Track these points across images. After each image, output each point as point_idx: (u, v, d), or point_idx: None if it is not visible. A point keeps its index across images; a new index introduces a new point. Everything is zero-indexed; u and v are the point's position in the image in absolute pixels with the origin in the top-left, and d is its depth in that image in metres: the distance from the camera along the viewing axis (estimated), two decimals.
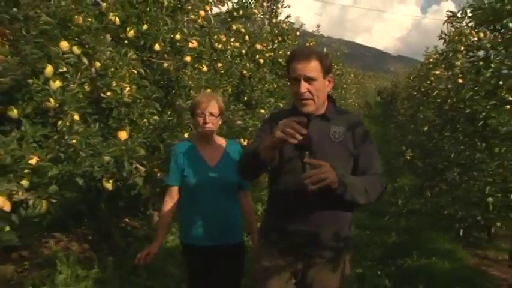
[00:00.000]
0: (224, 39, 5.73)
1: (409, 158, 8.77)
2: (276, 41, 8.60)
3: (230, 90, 5.57)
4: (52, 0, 3.05)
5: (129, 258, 3.58)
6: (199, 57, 4.69)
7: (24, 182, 2.48)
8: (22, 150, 2.45)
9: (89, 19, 3.42)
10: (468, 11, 4.55)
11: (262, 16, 8.44)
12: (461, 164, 4.45)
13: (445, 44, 6.93)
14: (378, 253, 4.78)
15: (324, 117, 2.02)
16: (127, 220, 4.42)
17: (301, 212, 1.97)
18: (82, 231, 4.00)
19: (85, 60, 3.38)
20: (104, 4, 3.60)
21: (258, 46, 7.06)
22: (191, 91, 3.98)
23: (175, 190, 2.49)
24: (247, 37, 6.86)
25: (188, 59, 4.33)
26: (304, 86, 1.91)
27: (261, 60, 7.14)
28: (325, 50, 16.17)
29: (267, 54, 7.46)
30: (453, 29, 6.66)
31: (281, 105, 7.15)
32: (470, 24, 5.08)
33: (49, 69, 2.92)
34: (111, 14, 3.64)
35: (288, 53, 8.92)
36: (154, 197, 3.36)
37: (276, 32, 8.82)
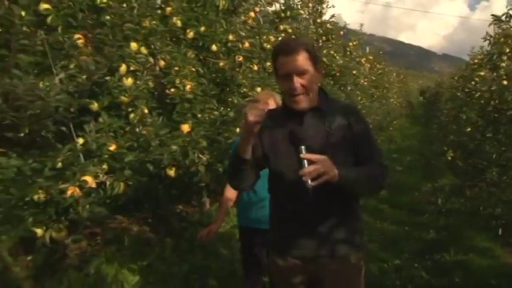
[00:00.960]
0: (273, 39, 6.02)
1: (450, 158, 8.79)
2: (321, 41, 8.83)
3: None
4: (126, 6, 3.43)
5: (185, 240, 3.95)
6: (250, 57, 5.02)
7: (105, 166, 2.87)
8: (104, 138, 2.83)
9: (155, 22, 3.82)
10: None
11: (308, 16, 8.66)
12: (501, 164, 4.57)
13: (489, 46, 6.98)
14: (416, 248, 4.95)
15: (317, 110, 1.92)
16: (180, 207, 4.80)
17: (304, 214, 1.88)
18: (141, 215, 4.41)
19: (151, 59, 3.78)
20: (169, 8, 3.97)
21: None
22: (244, 89, 4.30)
23: None
24: (293, 37, 7.13)
25: (241, 58, 4.66)
26: (297, 81, 1.81)
27: None
28: (367, 49, 16.19)
29: None
30: (500, 30, 6.71)
31: None
32: None
33: (123, 68, 3.32)
34: (174, 17, 4.02)
35: (332, 52, 9.16)
36: (212, 183, 3.71)
37: (321, 31, 9.06)
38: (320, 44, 8.74)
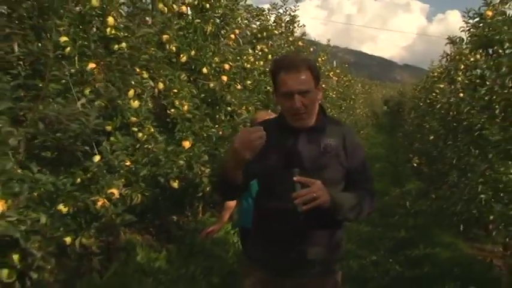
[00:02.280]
0: (252, 59, 6.53)
1: (415, 164, 9.46)
2: None
3: (253, 105, 6.37)
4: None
5: (186, 246, 4.36)
6: (233, 77, 5.50)
7: (123, 180, 3.27)
8: (122, 155, 3.24)
9: (153, 49, 4.24)
10: (464, 38, 5.35)
11: (281, 35, 9.21)
12: (460, 168, 5.20)
13: (447, 62, 7.73)
14: (389, 245, 5.51)
15: (314, 129, 1.88)
16: (175, 217, 5.20)
17: (290, 233, 1.84)
18: (142, 226, 4.78)
19: (151, 82, 4.19)
20: (165, 36, 4.40)
21: None
22: (233, 107, 4.77)
23: None
24: (270, 56, 7.66)
25: (225, 78, 5.13)
26: (299, 101, 1.76)
27: None
28: (335, 63, 16.93)
29: None
30: (455, 49, 7.45)
31: None
32: (468, 46, 5.88)
33: (131, 92, 3.73)
34: (170, 44, 4.45)
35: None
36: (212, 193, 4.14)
37: (293, 49, 9.65)
38: None
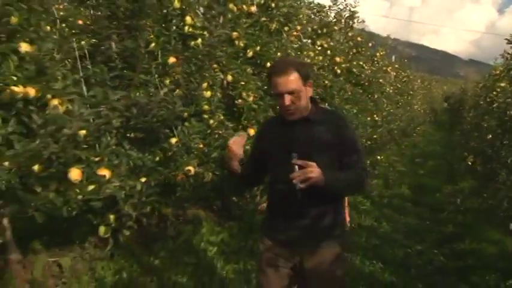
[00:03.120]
0: (312, 55, 6.88)
1: (470, 163, 9.43)
2: (351, 53, 9.63)
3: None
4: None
5: (245, 224, 4.84)
6: None
7: (196, 160, 3.77)
8: (196, 138, 3.74)
9: (224, 45, 4.71)
10: None
11: (340, 31, 9.44)
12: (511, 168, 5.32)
13: (508, 60, 7.67)
14: (436, 238, 5.73)
15: (306, 120, 2.19)
16: (234, 198, 5.69)
17: (293, 209, 2.15)
18: (205, 203, 5.30)
19: (221, 75, 4.67)
20: (235, 33, 4.85)
21: (337, 59, 8.15)
22: None
23: None
24: (329, 51, 7.96)
25: None
26: (287, 100, 2.08)
27: (339, 71, 8.23)
28: (393, 58, 16.81)
29: (343, 65, 8.52)
30: None
31: (355, 111, 8.19)
32: None
33: (205, 84, 4.22)
34: (239, 40, 4.90)
35: (361, 63, 9.89)
36: None
37: (352, 44, 9.86)
38: (350, 56, 9.51)
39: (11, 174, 2.25)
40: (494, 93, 9.73)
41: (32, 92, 2.47)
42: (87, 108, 2.65)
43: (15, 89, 2.42)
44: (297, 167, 1.99)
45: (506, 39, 5.98)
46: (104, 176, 2.57)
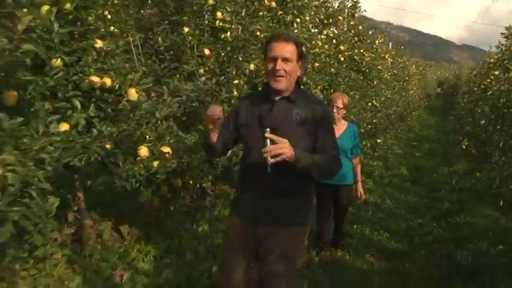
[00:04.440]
0: (320, 44, 7.36)
1: (464, 147, 10.00)
2: (353, 41, 10.11)
3: (321, 86, 7.23)
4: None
5: None
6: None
7: None
8: None
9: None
10: None
11: (344, 21, 9.90)
12: (504, 150, 5.90)
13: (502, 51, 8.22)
14: (434, 214, 6.32)
15: (288, 99, 2.24)
16: None
17: (261, 183, 2.16)
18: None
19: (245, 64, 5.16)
20: (258, 27, 5.32)
21: (341, 47, 8.63)
22: (308, 86, 5.68)
23: None
24: (334, 40, 8.43)
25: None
26: (280, 64, 2.14)
27: (342, 59, 8.72)
28: (390, 45, 17.25)
29: (346, 53, 9.01)
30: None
31: (357, 97, 8.72)
32: None
33: (233, 73, 4.71)
34: (260, 33, 5.38)
35: (362, 50, 10.37)
36: None
37: (353, 33, 10.33)
38: (352, 44, 9.98)
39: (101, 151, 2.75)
40: (488, 80, 10.21)
41: (108, 81, 2.96)
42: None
43: (94, 79, 2.91)
44: (268, 141, 2.02)
45: (501, 33, 6.48)
46: (168, 152, 3.07)
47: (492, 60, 10.98)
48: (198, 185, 3.96)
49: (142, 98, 3.02)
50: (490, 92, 8.26)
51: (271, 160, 1.98)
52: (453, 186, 7.96)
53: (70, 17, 2.87)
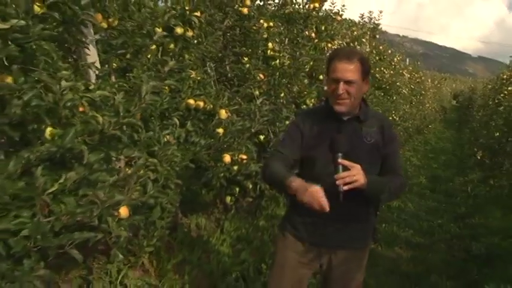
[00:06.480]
0: None
1: (479, 157, 10.68)
2: (374, 60, 10.99)
3: None
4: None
5: None
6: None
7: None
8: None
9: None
10: None
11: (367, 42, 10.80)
12: None
13: None
14: (451, 216, 7.13)
15: (357, 119, 2.12)
16: None
17: (332, 211, 1.90)
18: None
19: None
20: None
21: None
22: None
23: None
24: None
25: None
26: (342, 88, 1.98)
27: None
28: (407, 61, 18.06)
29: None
30: None
31: (380, 112, 9.59)
32: None
33: (282, 94, 5.64)
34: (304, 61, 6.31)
35: (382, 68, 11.23)
36: None
37: (375, 52, 11.23)
38: (373, 63, 10.86)
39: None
40: (502, 95, 10.89)
41: (201, 104, 3.90)
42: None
43: (190, 101, 3.85)
44: (341, 167, 1.93)
45: None
46: (246, 158, 3.99)
47: (505, 76, 11.70)
48: (258, 188, 4.85)
49: (232, 117, 3.96)
50: (503, 107, 9.01)
51: (344, 188, 1.89)
52: (468, 193, 8.72)
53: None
